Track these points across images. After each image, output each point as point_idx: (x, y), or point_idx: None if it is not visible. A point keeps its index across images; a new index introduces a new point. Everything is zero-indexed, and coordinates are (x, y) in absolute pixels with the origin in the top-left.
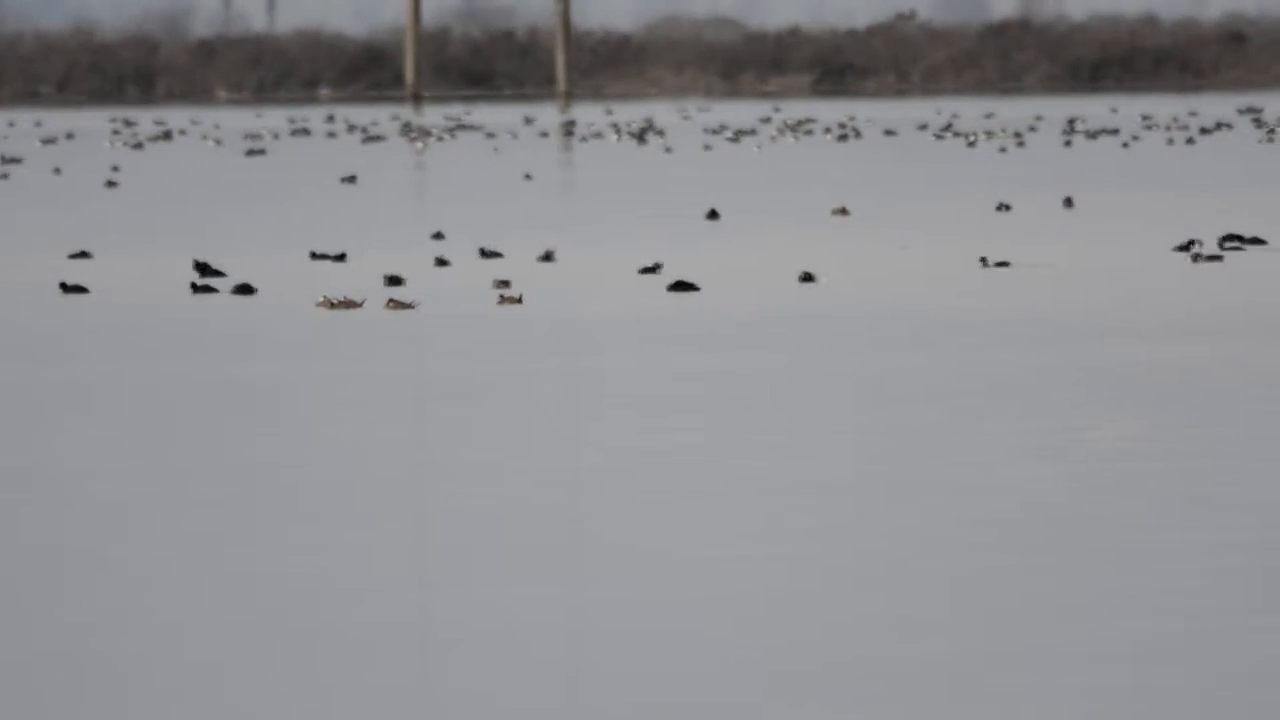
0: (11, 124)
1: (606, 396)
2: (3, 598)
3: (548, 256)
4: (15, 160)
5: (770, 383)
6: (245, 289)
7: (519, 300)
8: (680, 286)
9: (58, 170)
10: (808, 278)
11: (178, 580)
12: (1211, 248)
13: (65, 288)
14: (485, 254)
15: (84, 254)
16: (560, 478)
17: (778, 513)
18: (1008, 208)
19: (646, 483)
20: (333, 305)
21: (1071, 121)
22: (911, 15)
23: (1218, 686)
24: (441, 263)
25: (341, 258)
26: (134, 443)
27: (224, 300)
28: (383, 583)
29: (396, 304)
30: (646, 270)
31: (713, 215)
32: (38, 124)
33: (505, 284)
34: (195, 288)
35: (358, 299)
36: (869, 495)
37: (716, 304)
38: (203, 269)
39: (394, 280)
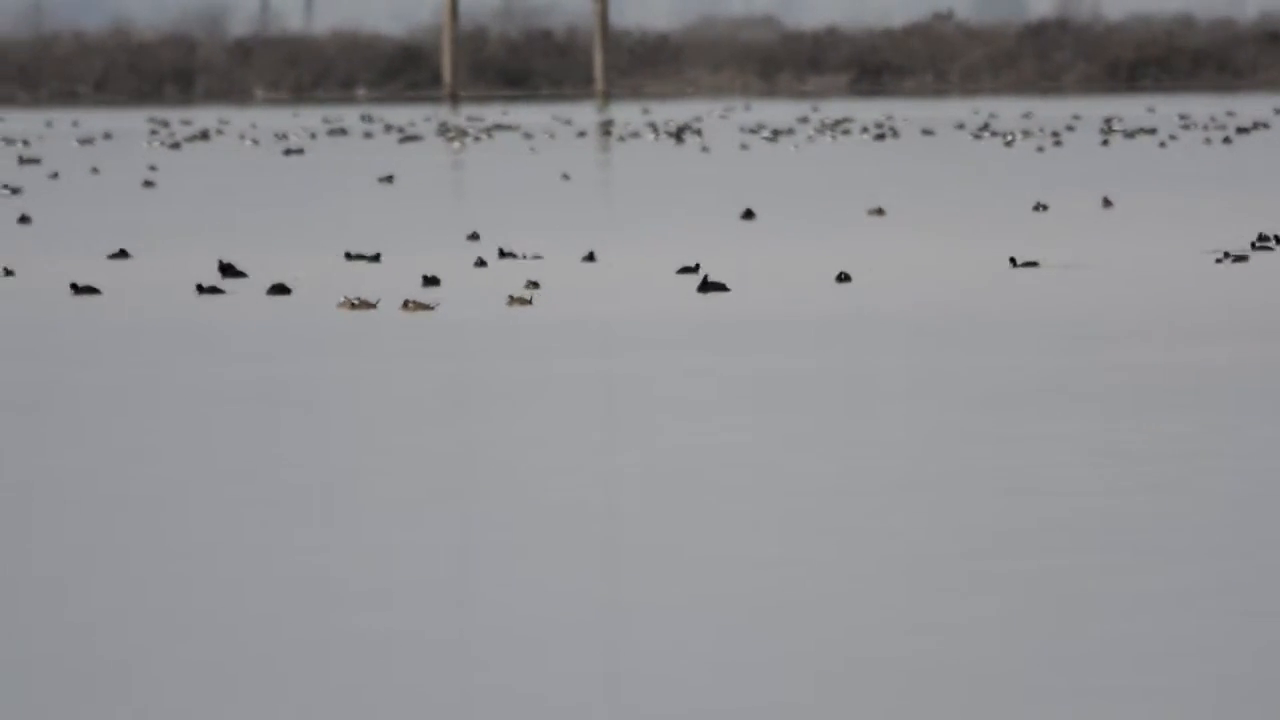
0: (49, 124)
1: (623, 397)
2: (18, 598)
3: (590, 257)
4: (51, 160)
5: (801, 383)
6: (280, 289)
7: (529, 302)
8: (711, 287)
9: (95, 170)
10: (844, 278)
11: (189, 581)
12: (1243, 248)
13: (76, 289)
14: (520, 255)
15: (123, 253)
16: (579, 479)
17: (814, 513)
18: (1045, 208)
19: (666, 483)
20: (354, 306)
21: (1109, 121)
22: (949, 15)
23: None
24: (481, 264)
25: (376, 258)
26: (136, 444)
27: (240, 300)
28: (401, 583)
29: (416, 305)
30: (685, 270)
31: (749, 215)
32: (75, 124)
33: (535, 285)
34: (201, 289)
35: (378, 300)
36: (903, 496)
37: (747, 305)
38: (226, 270)
39: (430, 280)
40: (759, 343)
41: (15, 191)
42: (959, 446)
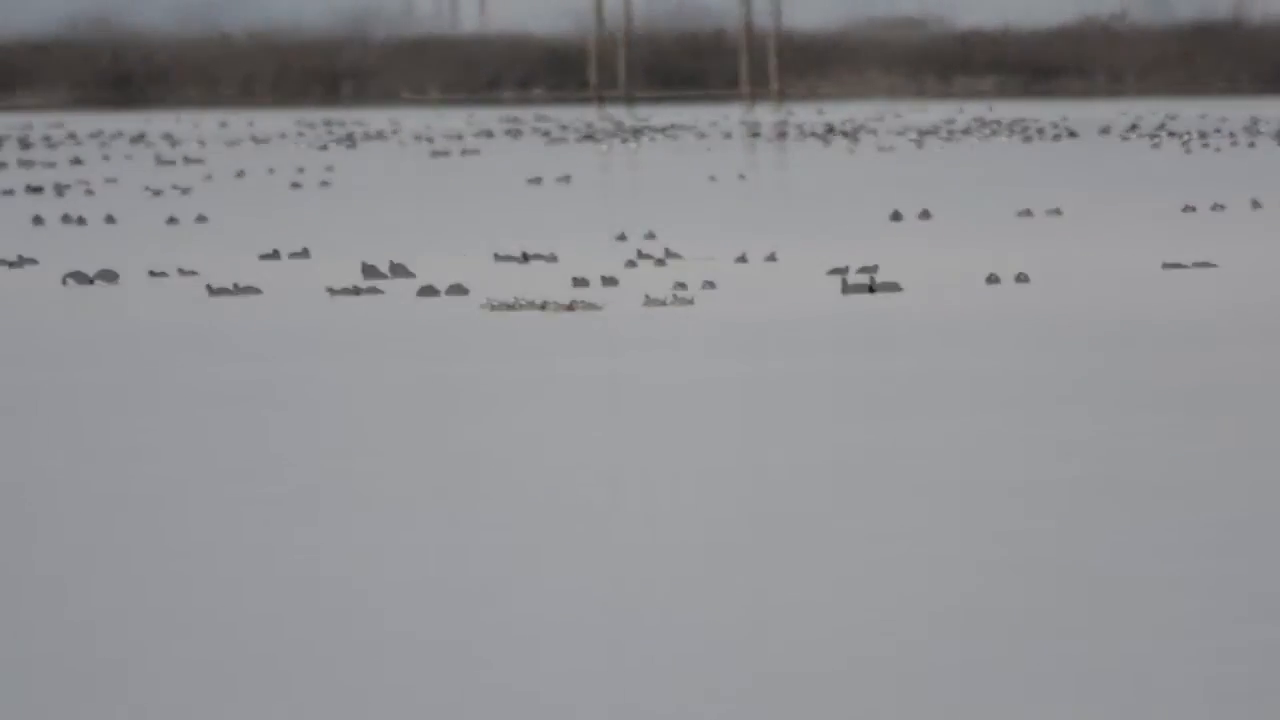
0: (197, 125)
1: (750, 398)
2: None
3: (742, 258)
4: (211, 161)
5: (940, 384)
6: (430, 290)
7: (667, 303)
8: (860, 288)
9: (242, 172)
10: (993, 279)
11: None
12: None
13: (212, 290)
14: (672, 257)
15: (274, 254)
16: (679, 483)
17: (942, 511)
18: (1194, 209)
19: (790, 487)
20: (495, 308)
21: (1257, 122)
22: (1102, 17)
23: None
24: (631, 264)
25: (527, 259)
26: (191, 445)
27: (385, 300)
28: (400, 587)
29: (562, 306)
30: (836, 271)
31: (899, 216)
32: (223, 125)
33: (683, 285)
34: (332, 292)
35: (526, 300)
36: (1020, 498)
37: (896, 305)
38: (369, 271)
39: (580, 282)
40: (907, 344)
41: (185, 191)
42: (1124, 447)
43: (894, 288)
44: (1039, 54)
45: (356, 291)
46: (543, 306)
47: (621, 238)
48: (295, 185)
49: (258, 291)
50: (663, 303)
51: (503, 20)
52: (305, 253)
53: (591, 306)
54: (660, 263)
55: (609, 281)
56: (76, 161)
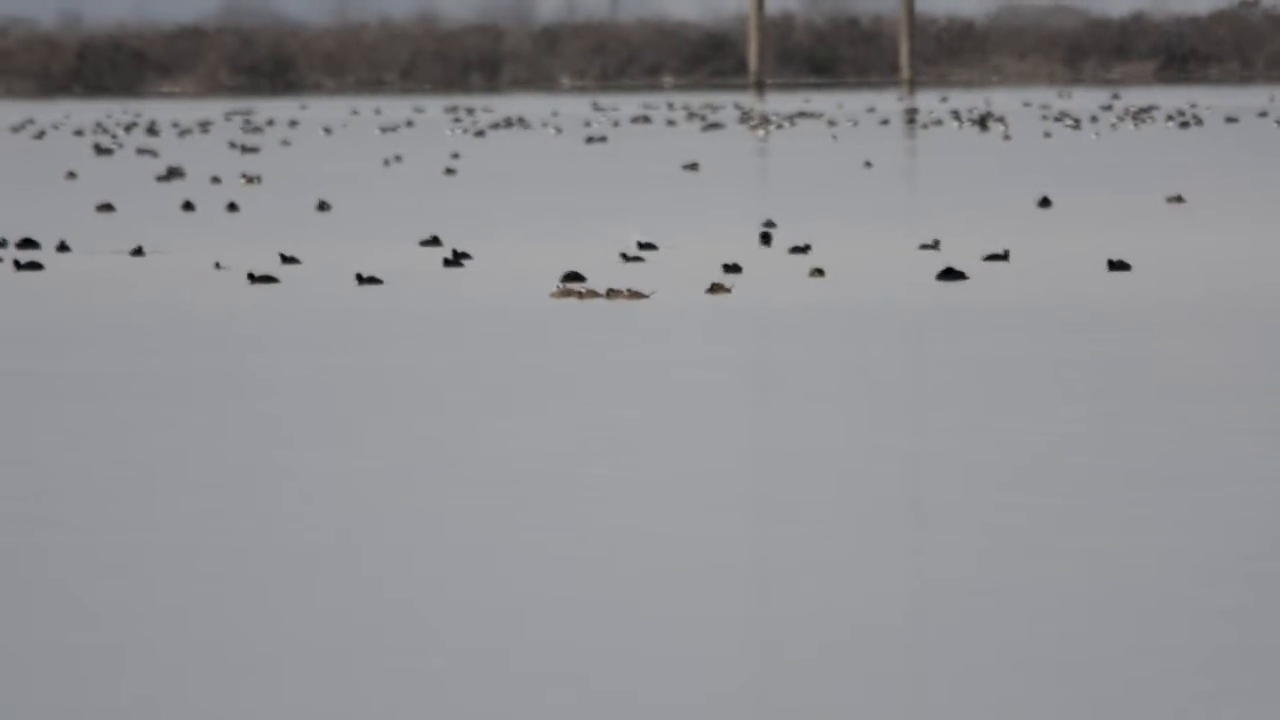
0: (355, 111)
1: (755, 388)
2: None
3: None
4: (354, 147)
5: (984, 373)
6: (574, 276)
7: (729, 290)
8: (950, 275)
9: (398, 158)
10: (1119, 265)
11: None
12: None
13: (253, 278)
14: (807, 244)
15: (435, 240)
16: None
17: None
18: None
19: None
20: (579, 295)
21: None
22: (1255, 3)
23: None
24: (798, 249)
25: (646, 246)
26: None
27: (438, 291)
28: (385, 551)
29: (632, 293)
30: (993, 257)
31: (1045, 203)
32: (378, 112)
33: (820, 272)
34: (360, 279)
35: (599, 289)
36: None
37: (988, 293)
38: (455, 257)
39: (732, 268)
40: (974, 331)
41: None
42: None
43: (961, 275)
44: (1185, 41)
45: (375, 281)
46: (617, 293)
47: (769, 224)
48: (449, 171)
49: (275, 281)
50: (726, 289)
51: (648, 7)
52: (435, 240)
53: (639, 295)
54: (804, 250)
55: (731, 269)
56: (242, 150)
